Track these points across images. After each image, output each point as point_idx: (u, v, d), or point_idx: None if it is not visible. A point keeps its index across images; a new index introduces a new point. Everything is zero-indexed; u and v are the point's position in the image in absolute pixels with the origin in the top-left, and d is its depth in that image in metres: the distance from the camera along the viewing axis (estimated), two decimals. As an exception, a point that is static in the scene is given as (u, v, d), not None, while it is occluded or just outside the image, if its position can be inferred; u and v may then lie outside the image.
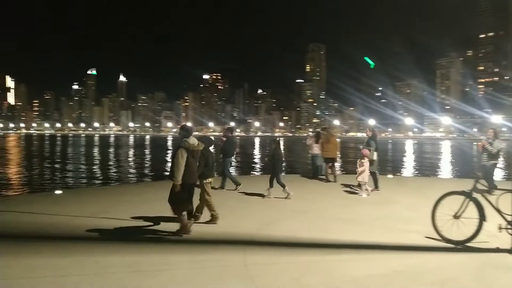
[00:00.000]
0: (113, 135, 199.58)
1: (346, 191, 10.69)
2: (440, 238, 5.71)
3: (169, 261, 4.90)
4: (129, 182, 19.50)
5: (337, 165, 12.29)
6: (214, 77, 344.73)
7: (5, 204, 9.20)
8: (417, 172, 28.63)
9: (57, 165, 28.80)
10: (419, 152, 60.53)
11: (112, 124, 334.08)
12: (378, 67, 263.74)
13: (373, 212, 7.99)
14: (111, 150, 54.76)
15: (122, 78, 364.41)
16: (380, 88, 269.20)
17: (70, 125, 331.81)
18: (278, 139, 10.06)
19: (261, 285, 4.16)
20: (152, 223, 6.82)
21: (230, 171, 10.85)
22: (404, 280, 4.40)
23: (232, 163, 10.78)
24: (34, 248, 5.35)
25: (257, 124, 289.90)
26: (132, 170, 26.18)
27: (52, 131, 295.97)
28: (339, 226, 6.80)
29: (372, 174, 10.31)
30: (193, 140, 6.10)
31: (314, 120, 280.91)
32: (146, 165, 31.62)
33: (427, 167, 32.75)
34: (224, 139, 10.85)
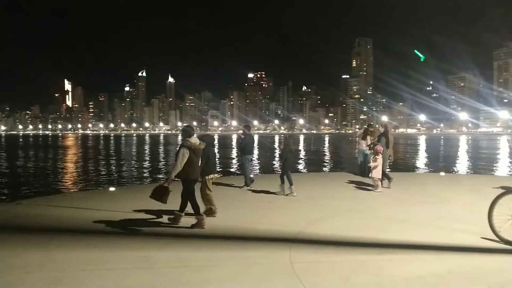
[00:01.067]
0: (163, 134, 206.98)
1: (397, 189, 10.29)
2: (497, 239, 5.33)
3: (216, 257, 4.97)
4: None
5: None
6: (259, 75, 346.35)
7: (64, 200, 9.83)
8: (472, 169, 26.98)
9: (111, 163, 30.40)
10: (474, 148, 57.01)
11: (161, 124, 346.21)
12: (428, 60, 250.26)
13: (426, 212, 7.62)
14: (161, 148, 56.81)
15: (170, 79, 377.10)
16: (431, 82, 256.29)
17: (122, 125, 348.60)
18: (288, 136, 9.82)
19: (307, 283, 4.09)
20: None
21: (249, 168, 10.87)
22: (459, 282, 4.16)
23: (252, 160, 10.80)
24: (88, 242, 5.64)
25: (301, 121, 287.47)
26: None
27: (106, 131, 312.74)
28: (390, 225, 6.56)
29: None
30: (195, 140, 6.51)
31: (361, 117, 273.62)
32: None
33: (482, 164, 30.77)
34: (243, 136, 10.85)
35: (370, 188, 10.30)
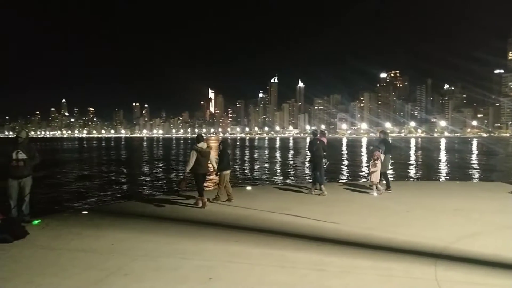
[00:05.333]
0: (292, 138, 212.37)
1: None
2: None
3: (353, 264, 4.87)
4: (304, 182, 20.32)
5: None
6: (392, 74, 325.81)
7: (210, 195, 10.92)
8: None
9: (246, 164, 32.57)
10: None
11: (290, 127, 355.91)
12: None
13: None
14: (291, 152, 58.21)
15: (300, 84, 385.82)
16: None
17: (256, 129, 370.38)
18: (318, 142, 10.46)
19: (458, 306, 3.67)
20: (335, 224, 6.93)
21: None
22: None
23: (326, 164, 10.85)
24: (230, 236, 6.18)
25: (443, 123, 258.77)
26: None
27: (242, 135, 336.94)
28: None
29: (383, 174, 10.63)
30: (201, 144, 8.63)
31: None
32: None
33: None
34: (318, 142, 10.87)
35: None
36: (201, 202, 8.66)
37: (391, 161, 11.59)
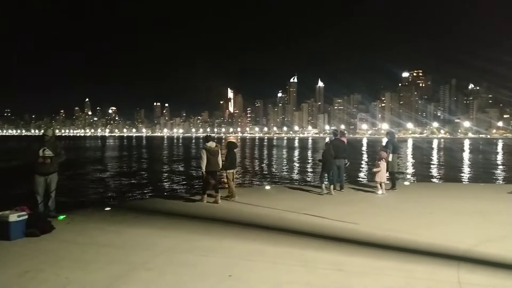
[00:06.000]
0: (311, 138, 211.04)
1: None
2: None
3: (374, 265, 4.83)
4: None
5: None
6: (415, 74, 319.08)
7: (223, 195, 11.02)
8: None
9: (264, 165, 32.60)
10: None
11: (310, 127, 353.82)
12: None
13: None
14: (310, 152, 57.89)
15: (320, 83, 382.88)
16: None
17: (275, 129, 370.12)
18: (328, 142, 10.96)
19: (481, 310, 3.60)
20: (354, 224, 6.88)
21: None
22: None
23: (346, 164, 11.11)
24: (251, 235, 6.22)
25: (467, 124, 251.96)
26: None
27: (261, 135, 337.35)
28: None
29: (390, 174, 10.84)
30: (210, 143, 9.11)
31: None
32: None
33: None
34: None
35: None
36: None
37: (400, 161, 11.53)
